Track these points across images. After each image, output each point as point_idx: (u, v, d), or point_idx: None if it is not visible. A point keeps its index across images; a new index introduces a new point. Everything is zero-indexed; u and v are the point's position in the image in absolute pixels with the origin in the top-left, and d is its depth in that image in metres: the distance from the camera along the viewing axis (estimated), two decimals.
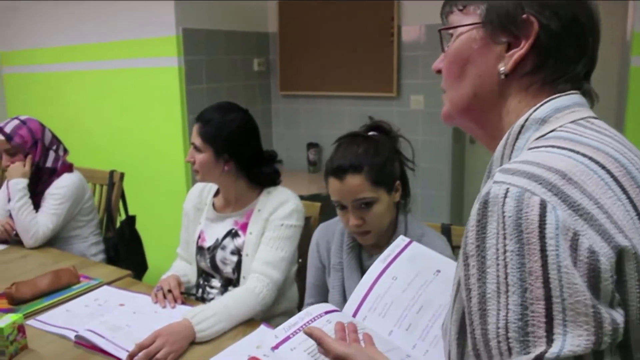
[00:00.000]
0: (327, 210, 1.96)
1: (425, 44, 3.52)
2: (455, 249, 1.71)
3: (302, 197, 1.97)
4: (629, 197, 0.65)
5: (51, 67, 4.13)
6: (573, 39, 0.76)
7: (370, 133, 1.56)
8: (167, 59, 3.42)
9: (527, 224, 0.61)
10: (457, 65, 0.82)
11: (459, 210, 3.79)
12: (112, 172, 2.78)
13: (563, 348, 0.58)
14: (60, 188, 2.42)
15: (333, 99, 3.94)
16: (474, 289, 0.65)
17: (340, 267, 1.59)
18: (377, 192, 1.46)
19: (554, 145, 0.69)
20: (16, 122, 2.42)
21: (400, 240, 1.31)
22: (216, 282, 1.95)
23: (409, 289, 1.22)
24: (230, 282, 1.92)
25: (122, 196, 2.80)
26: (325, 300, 1.61)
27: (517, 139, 0.75)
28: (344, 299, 1.54)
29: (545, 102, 0.76)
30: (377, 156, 1.47)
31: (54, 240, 2.44)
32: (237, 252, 1.88)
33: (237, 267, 1.87)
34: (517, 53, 0.76)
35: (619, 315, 0.60)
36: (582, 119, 0.74)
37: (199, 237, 1.98)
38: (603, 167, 0.66)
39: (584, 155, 0.67)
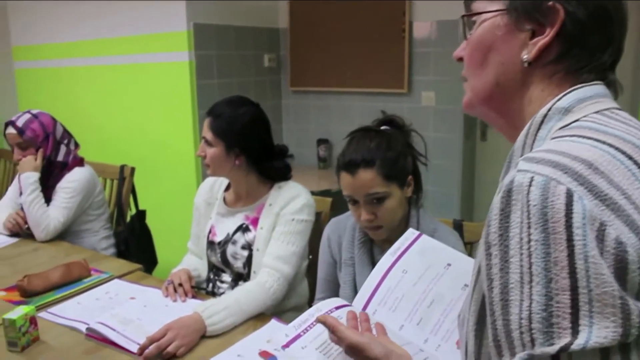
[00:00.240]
0: (338, 205, 1.95)
1: (436, 40, 3.50)
2: (466, 245, 1.70)
3: (311, 194, 1.96)
4: None
5: (62, 62, 4.14)
6: (599, 28, 0.74)
7: (383, 127, 1.55)
8: (178, 54, 3.43)
9: (553, 213, 0.60)
10: (480, 53, 0.81)
11: (469, 207, 3.77)
12: (122, 167, 2.79)
13: (589, 340, 0.57)
14: (72, 182, 2.42)
15: (343, 95, 3.93)
16: (495, 279, 0.64)
17: (352, 262, 1.58)
18: (389, 187, 1.45)
19: (579, 134, 0.68)
20: (28, 116, 2.43)
21: (410, 234, 1.30)
22: (227, 277, 1.95)
23: (419, 282, 1.21)
24: (240, 277, 1.91)
25: (133, 191, 2.80)
26: (336, 296, 1.60)
27: (539, 128, 0.74)
28: (355, 294, 1.53)
29: (569, 92, 0.74)
30: (389, 151, 1.46)
31: (65, 234, 2.45)
32: (248, 246, 1.87)
33: (248, 261, 1.87)
34: (542, 41, 0.75)
35: None
36: (606, 109, 0.72)
37: (210, 231, 1.98)
38: (630, 158, 0.65)
39: (610, 145, 0.66)
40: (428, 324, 1.16)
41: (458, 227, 1.74)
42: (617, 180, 0.62)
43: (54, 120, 2.49)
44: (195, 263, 2.01)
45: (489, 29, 0.79)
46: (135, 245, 2.67)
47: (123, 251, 2.64)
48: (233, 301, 1.63)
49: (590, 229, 0.59)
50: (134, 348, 1.45)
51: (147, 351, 1.42)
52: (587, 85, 0.75)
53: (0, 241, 2.37)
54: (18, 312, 1.49)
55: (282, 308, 1.86)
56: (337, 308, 1.24)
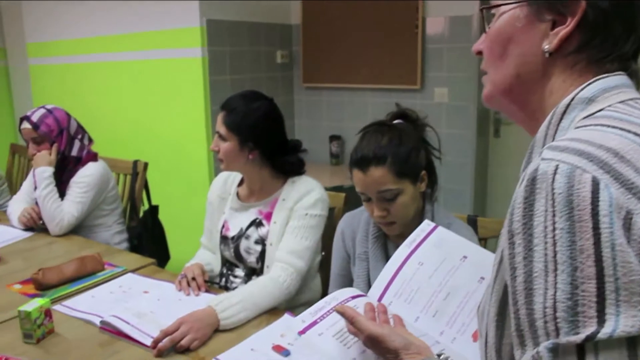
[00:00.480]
0: (351, 201, 1.95)
1: (450, 37, 3.47)
2: (480, 240, 1.69)
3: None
4: None
5: (76, 58, 4.17)
6: (621, 17, 0.73)
7: (396, 121, 1.54)
8: (191, 50, 3.43)
9: (579, 201, 0.59)
10: (500, 45, 0.80)
11: (482, 204, 3.74)
12: (135, 162, 2.80)
13: (616, 328, 0.56)
14: (85, 177, 2.44)
15: (356, 91, 3.91)
16: (519, 268, 0.63)
17: (366, 256, 1.57)
18: (401, 183, 1.44)
19: (604, 124, 0.67)
20: (43, 111, 2.44)
21: (426, 225, 1.29)
22: (240, 272, 1.95)
23: (435, 275, 1.20)
24: (254, 272, 1.91)
25: (146, 186, 2.82)
26: None
27: (561, 118, 0.73)
28: (369, 289, 1.53)
29: (593, 82, 0.73)
30: (401, 146, 1.44)
31: (79, 229, 2.47)
32: (261, 241, 1.87)
33: (261, 256, 1.87)
34: (563, 31, 0.73)
35: None
36: (630, 99, 0.71)
37: (223, 226, 1.98)
38: None
39: (635, 134, 0.65)
40: (444, 316, 1.16)
41: (472, 222, 1.73)
42: None
43: (68, 116, 2.50)
44: (208, 258, 2.01)
45: (509, 21, 0.79)
46: (148, 240, 2.69)
47: (136, 246, 2.65)
48: (246, 295, 1.63)
49: (617, 217, 0.58)
50: (148, 341, 1.46)
51: (160, 344, 1.42)
52: (611, 75, 0.73)
53: (15, 235, 2.39)
54: (33, 305, 1.50)
55: (295, 303, 1.86)
56: (353, 298, 1.24)
